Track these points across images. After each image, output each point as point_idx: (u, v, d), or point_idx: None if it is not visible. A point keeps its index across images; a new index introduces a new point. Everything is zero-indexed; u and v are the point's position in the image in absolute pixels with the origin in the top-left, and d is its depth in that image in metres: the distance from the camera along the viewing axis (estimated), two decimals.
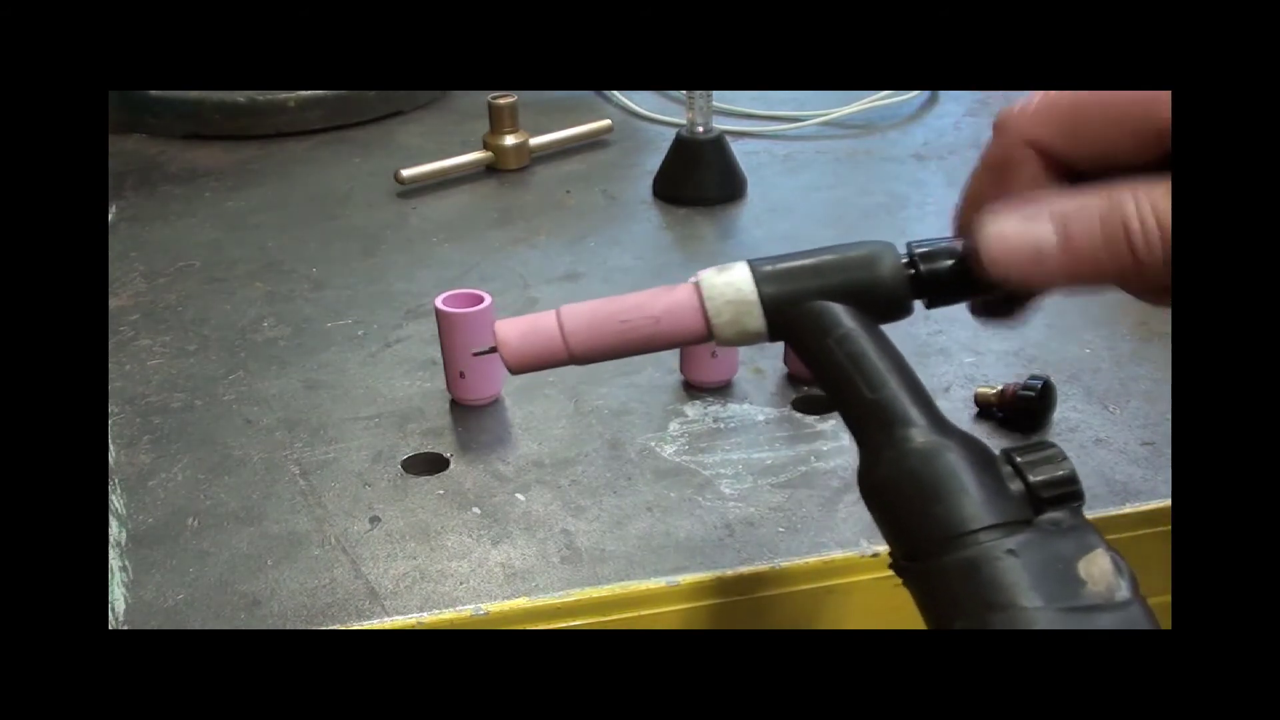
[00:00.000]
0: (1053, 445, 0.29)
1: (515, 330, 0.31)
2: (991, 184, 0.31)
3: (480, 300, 0.53)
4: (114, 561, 0.46)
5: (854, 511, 0.48)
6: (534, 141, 0.86)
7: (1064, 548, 0.27)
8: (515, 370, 0.32)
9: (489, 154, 0.85)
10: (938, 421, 0.29)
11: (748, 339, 0.31)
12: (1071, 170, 0.30)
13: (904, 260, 0.30)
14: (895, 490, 0.28)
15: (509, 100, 0.84)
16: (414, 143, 0.91)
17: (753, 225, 0.77)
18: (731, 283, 0.30)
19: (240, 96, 0.91)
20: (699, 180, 0.78)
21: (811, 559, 0.45)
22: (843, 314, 0.30)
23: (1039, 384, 0.52)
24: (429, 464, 0.52)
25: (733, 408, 0.55)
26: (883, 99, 0.94)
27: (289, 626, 0.42)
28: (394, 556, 0.46)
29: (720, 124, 0.81)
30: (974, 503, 0.27)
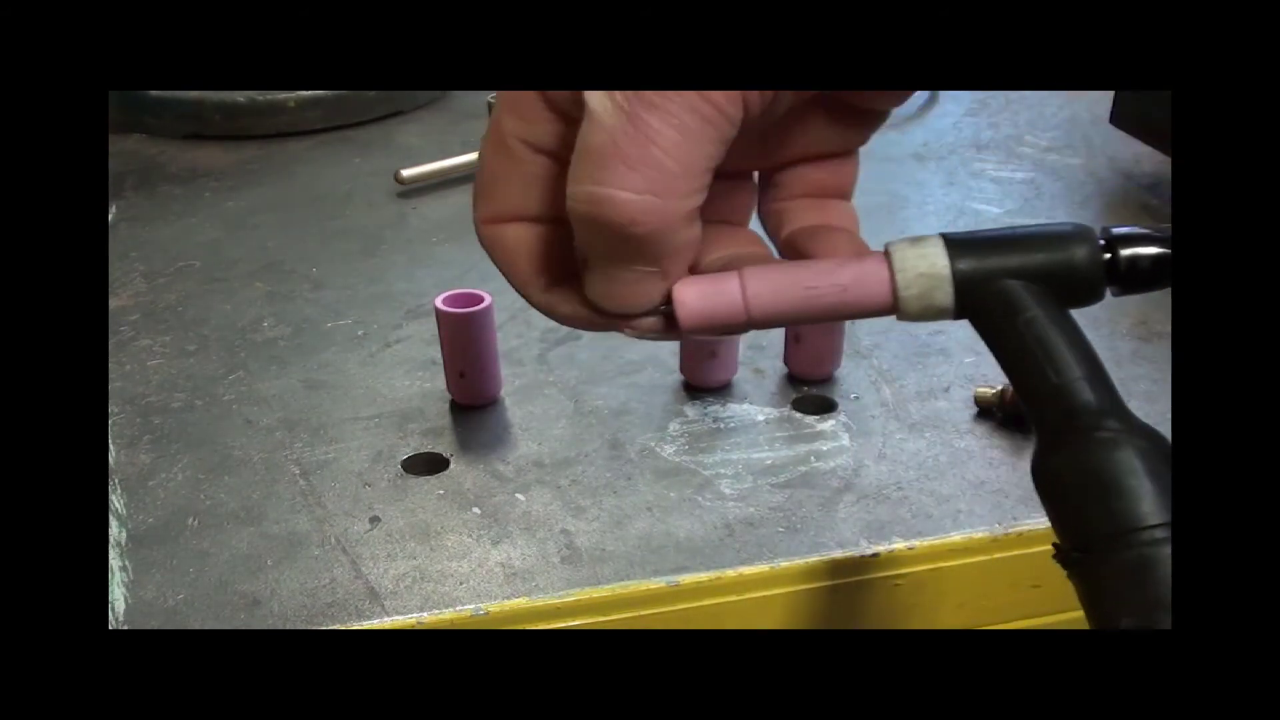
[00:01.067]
0: None
1: (694, 290, 0.30)
2: None
3: (480, 300, 0.53)
4: (114, 561, 0.46)
5: (854, 512, 0.48)
6: None
7: None
8: (688, 330, 0.30)
9: None
10: (1122, 413, 0.28)
11: (933, 315, 0.30)
12: None
13: (1100, 244, 0.29)
14: (1072, 480, 0.27)
15: None
16: (414, 143, 0.91)
17: (752, 224, 0.77)
18: (925, 255, 0.29)
19: (240, 96, 0.91)
20: None
21: (811, 559, 0.45)
22: (1033, 295, 0.29)
23: None
24: (429, 464, 0.52)
25: (733, 408, 0.55)
26: None
27: (289, 626, 0.42)
28: (394, 556, 0.46)
29: None
30: (1152, 498, 0.26)
